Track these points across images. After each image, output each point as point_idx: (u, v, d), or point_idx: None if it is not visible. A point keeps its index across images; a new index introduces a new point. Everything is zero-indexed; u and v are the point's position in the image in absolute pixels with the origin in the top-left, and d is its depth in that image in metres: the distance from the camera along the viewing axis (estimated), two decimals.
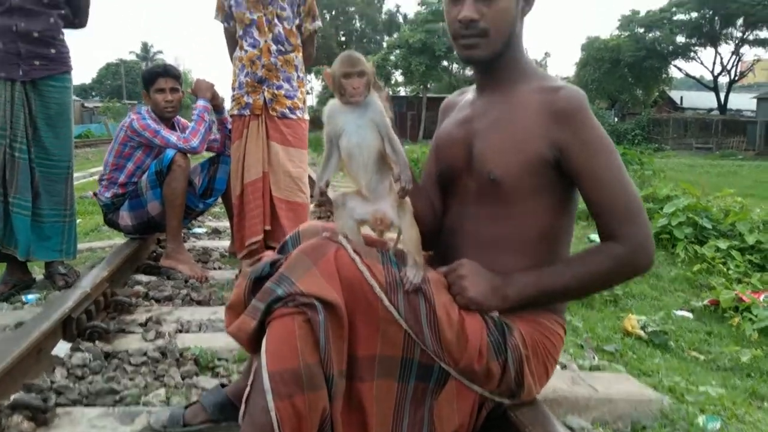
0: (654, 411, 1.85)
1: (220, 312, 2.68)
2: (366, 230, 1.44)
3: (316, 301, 1.20)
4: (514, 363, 1.36)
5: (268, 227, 3.20)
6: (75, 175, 3.16)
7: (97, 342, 2.21)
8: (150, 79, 3.50)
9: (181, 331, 2.43)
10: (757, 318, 3.25)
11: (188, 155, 3.40)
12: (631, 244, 1.33)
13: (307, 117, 3.36)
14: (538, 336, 1.42)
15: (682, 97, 42.63)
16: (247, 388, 1.25)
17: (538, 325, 1.43)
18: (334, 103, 1.38)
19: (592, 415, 1.77)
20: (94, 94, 64.41)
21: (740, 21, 32.18)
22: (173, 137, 3.36)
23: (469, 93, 1.61)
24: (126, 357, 2.12)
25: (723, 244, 4.31)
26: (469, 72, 35.95)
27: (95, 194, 3.65)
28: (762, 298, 3.53)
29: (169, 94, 3.48)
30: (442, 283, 1.36)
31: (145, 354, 2.14)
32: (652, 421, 1.81)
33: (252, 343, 1.26)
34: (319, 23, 3.35)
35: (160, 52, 71.92)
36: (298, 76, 3.28)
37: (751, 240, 4.36)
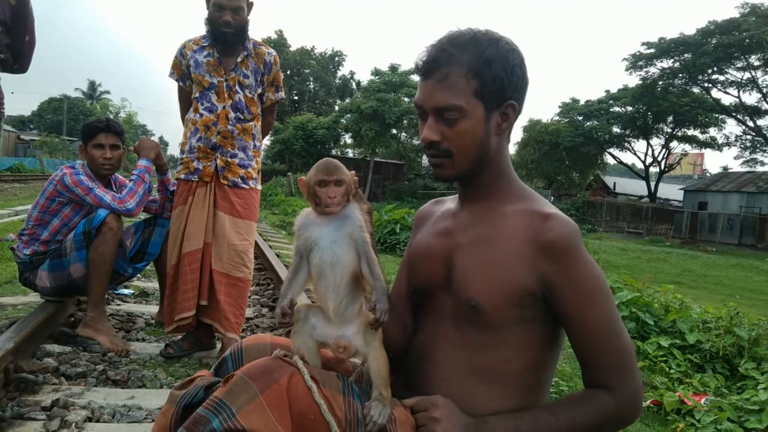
0: None
1: (138, 396, 2.41)
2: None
3: None
4: None
5: (204, 302, 2.96)
6: None
7: None
8: (90, 134, 3.25)
9: (91, 420, 2.14)
10: (701, 424, 3.19)
11: (121, 217, 3.15)
12: (620, 397, 1.22)
13: (259, 187, 3.20)
14: None
15: (615, 183, 44.84)
16: None
17: None
18: (308, 212, 1.25)
19: None
20: (32, 126, 62.27)
21: (670, 118, 34.54)
22: (107, 197, 3.11)
23: (448, 202, 1.49)
24: None
25: (665, 342, 4.30)
26: (416, 141, 36.82)
27: (13, 249, 3.33)
28: (703, 401, 3.50)
29: (108, 151, 3.24)
30: (410, 424, 1.19)
31: None
32: None
33: None
34: (282, 94, 3.24)
35: (108, 92, 70.82)
36: (255, 145, 3.14)
37: (691, 339, 4.38)
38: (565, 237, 1.22)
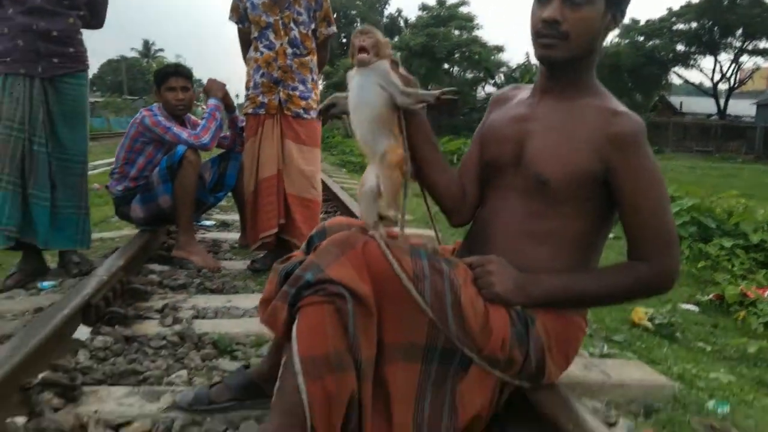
0: (666, 395, 1.89)
1: (235, 300, 2.72)
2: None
3: (345, 290, 1.25)
4: (535, 353, 1.41)
5: (283, 221, 3.25)
6: None
7: (116, 327, 2.24)
8: (162, 78, 3.56)
9: (197, 317, 2.46)
10: (762, 312, 3.29)
11: (198, 151, 3.44)
12: (658, 270, 1.39)
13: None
14: (560, 328, 1.45)
15: (681, 103, 42.75)
16: (281, 369, 1.28)
17: (560, 318, 1.46)
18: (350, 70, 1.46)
19: (606, 399, 1.80)
20: (95, 89, 64.51)
21: (739, 31, 32.40)
22: (184, 134, 3.40)
23: (525, 91, 1.62)
24: (146, 341, 2.16)
25: (727, 243, 4.34)
26: (469, 75, 36.08)
27: (107, 187, 3.70)
28: (767, 294, 3.58)
29: (180, 92, 3.54)
30: (468, 274, 1.40)
31: (164, 338, 2.18)
32: (663, 404, 1.85)
33: (284, 329, 1.30)
34: (333, 29, 3.41)
35: (162, 50, 72.18)
36: (312, 79, 3.34)
37: (755, 239, 4.40)
38: (633, 131, 1.37)
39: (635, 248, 1.41)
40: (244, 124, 3.47)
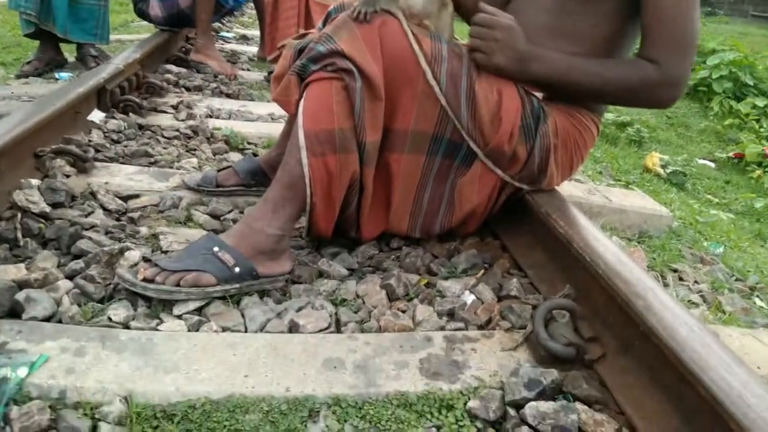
0: (663, 226, 1.92)
1: (249, 105, 2.71)
2: None
3: (354, 68, 1.21)
4: (540, 149, 1.39)
5: (303, 30, 3.12)
6: None
7: (130, 114, 2.27)
8: None
9: (211, 117, 2.47)
10: None
11: None
12: (666, 73, 1.30)
13: None
14: (571, 128, 1.43)
15: None
16: (287, 145, 1.29)
17: (572, 118, 1.43)
18: None
19: (603, 221, 1.84)
20: None
21: None
22: None
23: None
24: (159, 130, 2.19)
25: (761, 102, 4.18)
26: None
27: None
28: None
29: None
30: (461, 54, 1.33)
31: (177, 130, 2.21)
32: (659, 233, 1.88)
33: (296, 108, 1.29)
34: None
35: None
36: None
37: None
38: None
39: (648, 47, 1.32)
40: None
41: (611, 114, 3.70)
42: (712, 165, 3.46)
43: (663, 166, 2.94)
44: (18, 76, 2.91)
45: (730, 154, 3.58)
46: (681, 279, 1.58)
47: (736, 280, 1.71)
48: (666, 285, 1.51)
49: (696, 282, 1.58)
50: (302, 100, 1.25)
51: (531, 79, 1.35)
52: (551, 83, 1.36)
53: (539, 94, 1.41)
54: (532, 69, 1.33)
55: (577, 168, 1.53)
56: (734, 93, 4.47)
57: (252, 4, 3.85)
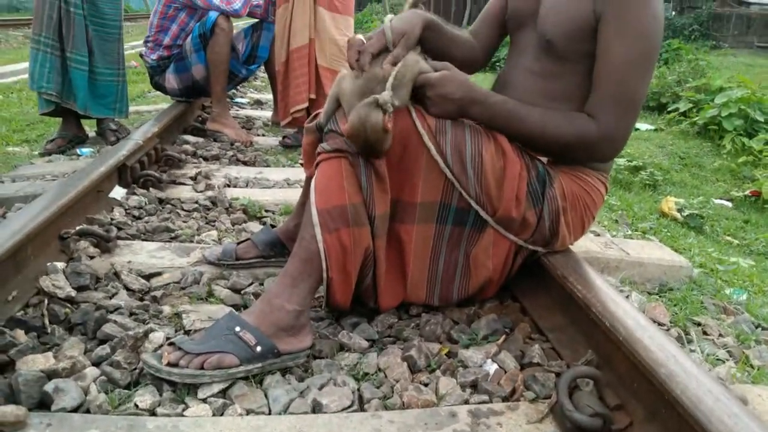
0: (683, 277, 1.90)
1: (266, 172, 2.77)
2: None
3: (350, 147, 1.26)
4: (550, 213, 1.41)
5: (313, 96, 3.21)
6: None
7: (150, 189, 2.33)
8: None
9: (229, 186, 2.53)
10: None
11: (231, 19, 3.38)
12: (603, 132, 1.33)
13: None
14: (578, 190, 1.45)
15: None
16: (303, 221, 1.32)
17: (579, 180, 1.46)
18: None
19: (621, 276, 1.83)
20: None
21: None
22: None
23: None
24: (178, 204, 2.25)
25: None
26: None
27: (141, 56, 3.69)
28: None
29: None
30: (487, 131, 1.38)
31: (196, 202, 2.26)
32: (679, 285, 1.87)
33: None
34: None
35: None
36: None
37: None
38: None
39: (591, 101, 1.35)
40: None
41: (623, 159, 3.72)
42: (729, 204, 3.44)
43: (679, 210, 2.94)
44: (42, 154, 3.01)
45: (747, 193, 3.56)
46: (705, 333, 1.56)
47: (763, 329, 1.68)
48: (690, 341, 1.49)
49: (721, 335, 1.56)
50: (313, 179, 1.29)
51: (476, 121, 1.38)
52: (493, 127, 1.38)
53: (544, 159, 1.44)
54: (472, 113, 1.36)
55: (588, 226, 1.54)
56: (745, 130, 4.48)
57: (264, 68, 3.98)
